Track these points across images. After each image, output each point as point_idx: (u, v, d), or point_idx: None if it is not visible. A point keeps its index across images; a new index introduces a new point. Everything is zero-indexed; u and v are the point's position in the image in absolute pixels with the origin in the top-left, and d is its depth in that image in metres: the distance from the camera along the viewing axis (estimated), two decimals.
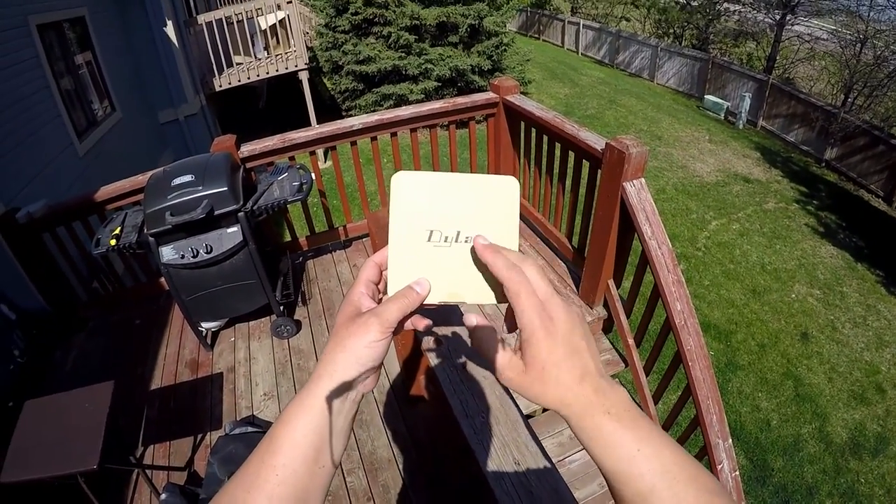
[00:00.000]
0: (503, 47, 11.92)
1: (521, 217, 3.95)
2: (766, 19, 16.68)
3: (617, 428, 0.47)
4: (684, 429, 2.65)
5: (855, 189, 11.48)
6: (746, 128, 13.94)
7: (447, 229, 0.53)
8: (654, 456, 0.46)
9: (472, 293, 0.54)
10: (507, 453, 1.13)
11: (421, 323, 0.58)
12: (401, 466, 2.32)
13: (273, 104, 12.34)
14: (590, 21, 21.21)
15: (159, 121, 8.30)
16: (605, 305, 3.22)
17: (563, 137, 3.08)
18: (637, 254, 2.70)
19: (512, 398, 1.24)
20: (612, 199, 2.74)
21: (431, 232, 0.53)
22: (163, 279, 3.25)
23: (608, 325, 3.27)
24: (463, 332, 1.39)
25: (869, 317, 7.72)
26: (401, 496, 2.21)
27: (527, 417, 1.19)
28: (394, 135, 3.57)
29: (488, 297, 0.54)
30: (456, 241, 0.53)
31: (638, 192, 2.67)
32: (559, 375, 0.48)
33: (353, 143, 3.49)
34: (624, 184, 2.63)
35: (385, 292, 0.54)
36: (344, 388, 0.52)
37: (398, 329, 0.54)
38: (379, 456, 2.37)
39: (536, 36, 23.05)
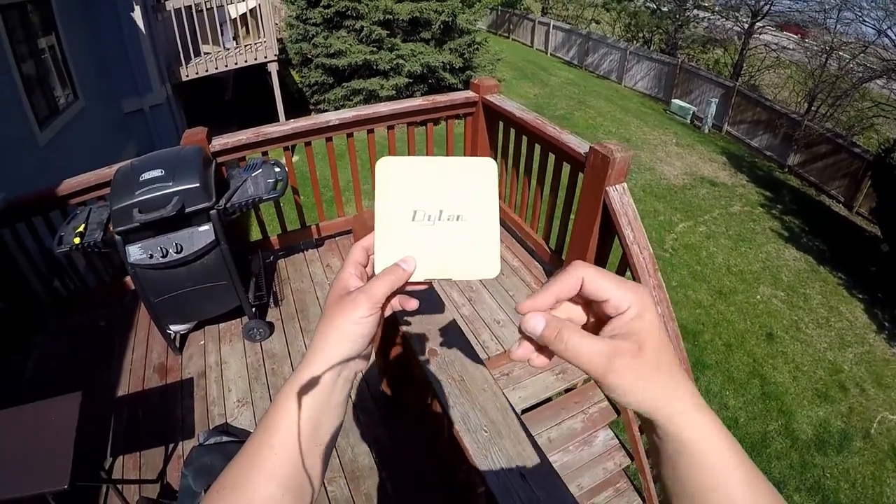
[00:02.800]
0: (475, 46, 11.88)
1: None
2: (734, 27, 17.07)
3: (722, 434, 0.44)
4: None
5: (817, 194, 11.83)
6: (712, 132, 14.24)
7: (430, 209, 0.56)
8: (746, 470, 0.44)
9: (456, 269, 0.56)
10: (513, 468, 1.11)
11: (409, 303, 0.59)
12: (384, 475, 2.25)
13: (239, 96, 12.02)
14: (560, 22, 21.31)
15: (123, 110, 7.89)
16: None
17: (544, 140, 3.06)
18: (617, 255, 2.69)
19: (514, 412, 1.21)
20: (594, 202, 2.73)
21: (415, 212, 0.56)
22: (128, 279, 3.10)
23: None
24: (457, 343, 1.35)
25: (831, 318, 7.97)
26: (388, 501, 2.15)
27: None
28: (370, 131, 3.48)
29: (471, 272, 0.56)
30: (439, 219, 0.56)
31: (620, 197, 2.67)
32: (672, 364, 0.45)
33: (329, 139, 3.39)
34: (607, 188, 2.63)
35: (373, 273, 0.56)
36: (337, 365, 0.53)
37: (387, 308, 0.57)
38: (360, 464, 2.30)
39: (506, 35, 23.08)
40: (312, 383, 0.52)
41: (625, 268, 2.63)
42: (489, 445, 1.13)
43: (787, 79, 16.24)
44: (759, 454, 5.72)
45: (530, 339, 0.48)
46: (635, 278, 2.51)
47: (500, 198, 3.86)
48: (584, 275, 0.46)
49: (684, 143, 13.02)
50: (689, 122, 14.67)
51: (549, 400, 2.93)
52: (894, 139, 10.30)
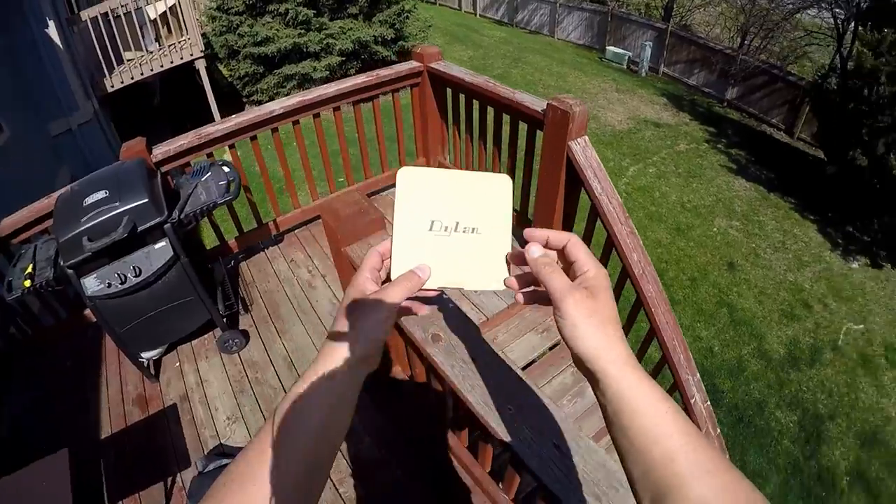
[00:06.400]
0: (405, 14, 11.61)
1: None
2: None
3: (652, 386, 0.49)
4: (652, 370, 2.71)
5: (758, 125, 12.18)
6: (649, 75, 14.43)
7: (447, 220, 0.58)
8: (678, 415, 0.48)
9: (470, 279, 0.59)
10: (544, 440, 1.08)
11: (421, 309, 0.62)
12: (394, 463, 2.21)
13: (169, 99, 11.49)
14: None
15: (51, 133, 7.42)
16: None
17: (497, 101, 2.99)
18: (584, 210, 2.68)
19: (531, 383, 1.16)
20: (557, 159, 2.71)
21: (433, 222, 0.58)
22: (87, 310, 2.91)
23: None
24: (460, 325, 1.30)
25: (787, 241, 8.30)
26: (405, 493, 2.11)
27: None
28: (316, 116, 3.34)
29: (485, 283, 0.58)
30: (455, 230, 0.58)
31: (583, 150, 2.67)
32: (615, 321, 0.52)
33: (275, 130, 3.25)
34: (569, 143, 2.61)
35: (388, 278, 0.58)
36: (351, 364, 0.54)
37: (400, 312, 0.59)
38: (366, 458, 2.25)
39: (432, 1, 22.67)
40: (327, 383, 0.53)
41: (595, 219, 2.63)
42: (514, 421, 1.11)
43: (718, 16, 16.48)
44: (737, 378, 5.96)
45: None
46: (607, 228, 2.52)
47: (456, 165, 3.82)
48: (571, 237, 0.56)
49: (624, 89, 13.18)
50: (625, 67, 14.81)
51: (536, 360, 2.94)
52: (829, 65, 10.63)
